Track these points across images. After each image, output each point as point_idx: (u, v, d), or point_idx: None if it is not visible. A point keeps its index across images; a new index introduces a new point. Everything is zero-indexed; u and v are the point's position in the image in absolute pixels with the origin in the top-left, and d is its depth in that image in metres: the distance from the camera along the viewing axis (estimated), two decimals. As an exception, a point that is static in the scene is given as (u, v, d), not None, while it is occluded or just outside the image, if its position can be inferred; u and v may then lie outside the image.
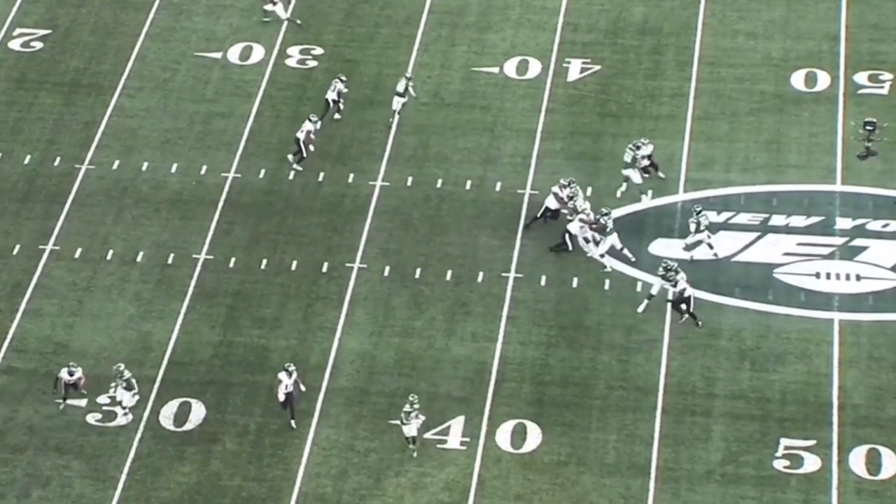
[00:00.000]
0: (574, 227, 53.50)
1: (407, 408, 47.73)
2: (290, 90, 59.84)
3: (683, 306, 51.62)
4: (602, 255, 53.31)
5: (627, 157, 55.43)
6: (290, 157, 56.72)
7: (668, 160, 56.83)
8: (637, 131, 58.18)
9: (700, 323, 51.69)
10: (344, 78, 58.29)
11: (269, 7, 61.42)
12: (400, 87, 58.01)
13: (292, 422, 48.99)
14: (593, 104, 59.49)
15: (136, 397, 49.20)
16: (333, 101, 58.05)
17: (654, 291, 51.92)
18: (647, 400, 50.03)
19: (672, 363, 51.03)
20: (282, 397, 48.78)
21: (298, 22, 61.20)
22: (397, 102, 58.04)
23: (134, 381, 49.06)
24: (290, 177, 56.76)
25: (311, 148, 56.34)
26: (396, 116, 58.27)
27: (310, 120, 56.31)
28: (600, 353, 51.38)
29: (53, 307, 52.85)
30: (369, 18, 62.52)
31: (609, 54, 61.31)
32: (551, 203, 54.44)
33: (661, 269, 51.72)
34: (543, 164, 57.17)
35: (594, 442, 48.96)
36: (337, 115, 58.21)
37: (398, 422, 47.92)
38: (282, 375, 48.77)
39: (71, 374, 49.29)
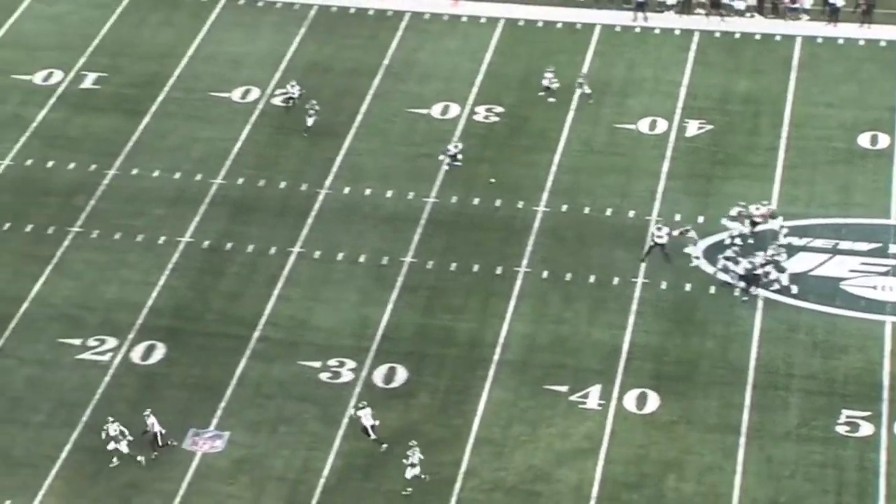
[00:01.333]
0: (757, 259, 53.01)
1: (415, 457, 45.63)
2: (476, 139, 59.72)
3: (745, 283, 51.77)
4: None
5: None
6: (445, 158, 57.61)
7: (763, 197, 56.25)
8: (738, 176, 57.65)
9: (746, 299, 51.59)
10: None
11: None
12: (578, 80, 60.80)
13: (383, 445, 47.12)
14: (706, 154, 58.99)
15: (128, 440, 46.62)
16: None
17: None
18: (740, 377, 49.61)
19: (761, 350, 50.57)
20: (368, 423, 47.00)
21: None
22: (581, 91, 60.60)
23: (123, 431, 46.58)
24: (475, 202, 56.87)
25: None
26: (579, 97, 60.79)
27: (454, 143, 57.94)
28: (706, 341, 50.99)
29: (298, 294, 53.14)
30: (538, 86, 62.18)
31: (719, 116, 60.73)
32: (755, 211, 54.11)
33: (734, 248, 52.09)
34: (666, 198, 56.81)
35: (699, 407, 48.66)
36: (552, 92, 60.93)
37: (407, 462, 45.77)
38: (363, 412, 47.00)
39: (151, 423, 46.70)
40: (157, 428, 47.13)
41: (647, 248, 53.77)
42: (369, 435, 47.34)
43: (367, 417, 47.36)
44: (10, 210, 56.96)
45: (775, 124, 60.40)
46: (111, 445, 46.88)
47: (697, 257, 53.71)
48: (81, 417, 48.49)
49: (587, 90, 61.09)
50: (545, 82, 61.36)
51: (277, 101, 61.55)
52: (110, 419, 47.09)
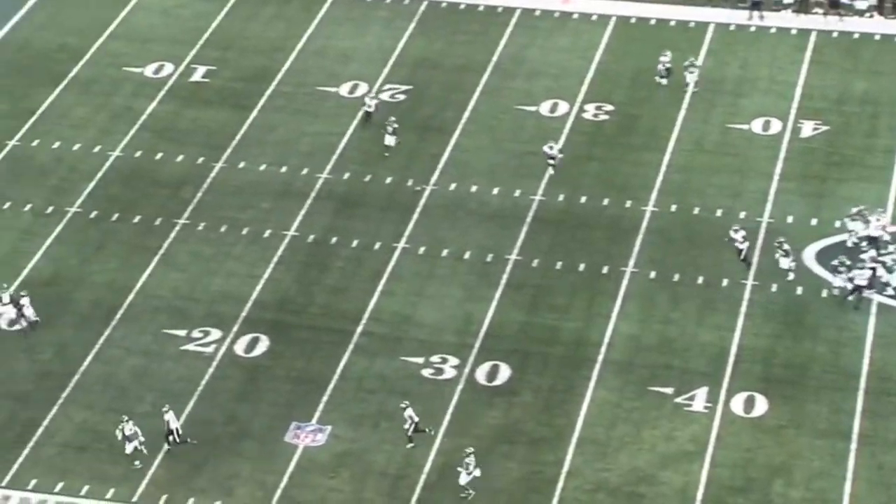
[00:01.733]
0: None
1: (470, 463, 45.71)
2: (585, 136, 59.83)
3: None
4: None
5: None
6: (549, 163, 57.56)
7: (879, 201, 55.74)
8: (854, 178, 57.14)
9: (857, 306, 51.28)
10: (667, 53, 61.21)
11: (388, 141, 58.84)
12: (686, 63, 60.52)
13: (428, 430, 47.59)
14: (821, 155, 58.47)
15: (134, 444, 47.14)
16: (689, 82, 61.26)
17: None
18: (852, 382, 49.12)
19: (874, 355, 50.04)
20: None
21: None
22: (691, 77, 60.76)
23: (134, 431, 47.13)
24: (582, 200, 56.96)
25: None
26: (692, 87, 61.21)
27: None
28: (817, 345, 50.56)
29: (402, 289, 53.45)
30: (648, 84, 62.27)
31: (835, 118, 60.20)
32: (873, 231, 53.66)
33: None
34: (778, 200, 56.41)
35: (809, 412, 48.23)
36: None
37: (462, 470, 45.94)
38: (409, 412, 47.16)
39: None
40: (175, 425, 47.49)
41: (738, 253, 53.33)
42: (410, 439, 47.49)
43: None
44: (119, 201, 58.02)
45: (893, 126, 59.72)
46: (128, 446, 47.27)
47: (792, 269, 52.74)
48: (185, 408, 49.17)
49: (695, 77, 60.53)
50: (660, 66, 61.08)
51: (384, 96, 61.76)
52: (125, 418, 47.45)
